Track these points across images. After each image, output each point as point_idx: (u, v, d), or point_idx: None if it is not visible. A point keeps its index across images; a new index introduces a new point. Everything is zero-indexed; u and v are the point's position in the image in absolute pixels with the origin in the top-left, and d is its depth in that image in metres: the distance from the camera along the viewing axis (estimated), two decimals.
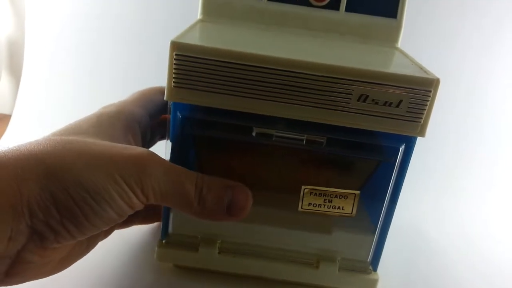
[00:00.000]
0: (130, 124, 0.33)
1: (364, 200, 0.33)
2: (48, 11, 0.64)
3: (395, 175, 0.31)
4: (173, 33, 0.30)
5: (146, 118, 0.36)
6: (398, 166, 0.31)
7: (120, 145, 0.28)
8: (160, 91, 0.38)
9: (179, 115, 0.30)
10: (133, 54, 0.64)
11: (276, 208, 0.34)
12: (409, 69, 0.30)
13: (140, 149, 0.28)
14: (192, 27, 0.34)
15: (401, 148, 0.30)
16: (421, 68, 0.31)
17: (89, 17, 0.63)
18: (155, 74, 0.38)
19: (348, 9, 0.37)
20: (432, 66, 0.30)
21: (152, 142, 0.40)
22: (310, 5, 0.37)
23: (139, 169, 0.26)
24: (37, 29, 0.65)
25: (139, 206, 0.27)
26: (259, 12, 0.38)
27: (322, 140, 0.30)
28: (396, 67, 0.32)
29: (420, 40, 0.59)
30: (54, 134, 0.30)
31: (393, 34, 0.38)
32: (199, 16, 0.38)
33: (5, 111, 0.71)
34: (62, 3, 0.63)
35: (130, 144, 0.32)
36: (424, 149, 0.37)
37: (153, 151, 0.28)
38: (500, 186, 0.61)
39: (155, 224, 0.43)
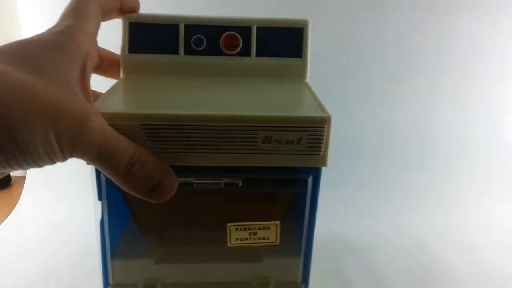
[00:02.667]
0: (77, 59, 0.29)
1: (291, 227, 0.37)
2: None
3: (309, 202, 0.35)
4: None
5: (95, 52, 0.33)
6: (310, 195, 0.34)
7: (63, 93, 0.26)
8: None
9: (103, 176, 0.33)
10: None
11: (210, 245, 0.37)
12: (307, 109, 0.34)
13: (84, 107, 0.26)
14: (112, 91, 0.37)
15: (309, 179, 0.34)
16: (320, 105, 0.34)
17: None
18: None
19: (259, 54, 0.41)
20: None
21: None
22: (224, 54, 0.41)
23: (77, 131, 0.25)
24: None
25: (63, 161, 0.26)
26: (178, 65, 0.41)
27: (238, 182, 0.33)
28: (296, 108, 0.36)
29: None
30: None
31: (300, 72, 0.42)
32: (121, 75, 0.41)
33: None
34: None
35: (75, 84, 0.29)
36: None
37: (97, 111, 0.27)
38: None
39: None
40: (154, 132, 0.31)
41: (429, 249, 0.54)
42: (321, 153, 0.32)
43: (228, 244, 0.35)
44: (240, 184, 0.33)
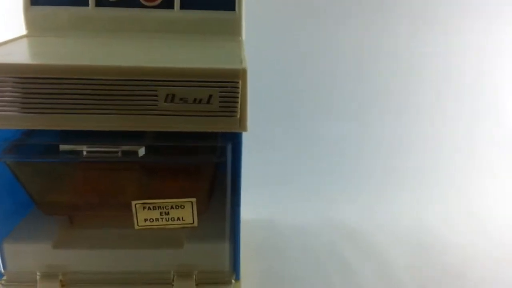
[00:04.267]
0: None
1: (219, 207, 0.31)
2: None
3: (230, 176, 0.29)
4: None
5: None
6: (230, 167, 0.29)
7: None
8: None
9: None
10: None
11: (118, 228, 0.32)
12: (220, 62, 0.28)
13: None
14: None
15: (228, 147, 0.28)
16: (239, 58, 0.29)
17: None
18: None
19: (184, 6, 0.35)
20: None
21: None
22: (142, 6, 0.35)
23: None
24: None
25: None
26: (88, 20, 0.35)
27: (137, 149, 0.27)
28: (207, 61, 0.30)
29: None
30: None
31: (234, 27, 0.36)
32: (25, 31, 0.35)
33: None
34: None
35: None
36: None
37: None
38: None
39: None
40: (27, 88, 0.25)
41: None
42: (237, 114, 0.27)
43: (136, 226, 0.30)
44: (142, 153, 0.28)
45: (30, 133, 0.29)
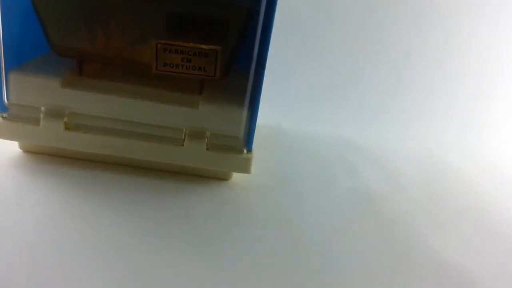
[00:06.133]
0: None
1: (240, 68, 0.29)
2: None
3: (260, 30, 0.27)
4: None
5: None
6: (263, 18, 0.27)
7: None
8: None
9: None
10: None
11: (133, 83, 0.30)
12: None
13: None
14: None
15: None
16: None
17: None
18: None
19: None
20: None
21: None
22: None
23: None
24: None
25: None
26: None
27: None
28: None
29: None
30: None
31: None
32: None
33: None
34: None
35: None
36: None
37: None
38: None
39: None
40: None
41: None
42: None
43: (154, 70, 0.28)
44: None
45: None
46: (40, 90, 0.29)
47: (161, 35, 0.28)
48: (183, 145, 0.30)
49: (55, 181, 0.29)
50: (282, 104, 0.51)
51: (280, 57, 0.52)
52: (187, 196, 0.31)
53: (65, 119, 0.29)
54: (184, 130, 0.30)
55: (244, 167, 0.31)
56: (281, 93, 0.53)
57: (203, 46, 0.27)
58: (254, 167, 0.32)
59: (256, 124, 0.31)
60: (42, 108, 0.29)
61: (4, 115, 0.30)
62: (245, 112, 0.30)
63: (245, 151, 0.31)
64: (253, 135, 0.31)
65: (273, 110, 0.50)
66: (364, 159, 0.43)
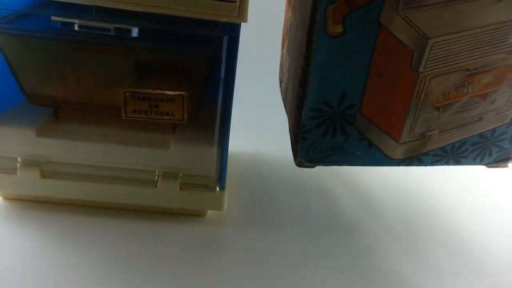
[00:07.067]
0: None
1: (211, 109, 0.30)
2: None
3: (224, 71, 0.28)
4: None
5: None
6: (225, 62, 0.28)
7: None
8: None
9: None
10: None
11: (106, 126, 0.31)
12: None
13: None
14: None
15: (224, 39, 0.27)
16: None
17: None
18: None
19: None
20: None
21: None
22: None
23: None
24: None
25: None
26: None
27: (131, 28, 0.26)
28: None
29: None
30: None
31: None
32: None
33: None
34: None
35: None
36: None
37: None
38: None
39: None
40: None
41: None
42: (237, 0, 0.26)
43: (123, 116, 0.29)
44: (135, 34, 0.26)
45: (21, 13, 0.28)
46: (16, 141, 0.30)
47: (131, 80, 0.29)
48: (156, 186, 0.31)
49: (34, 228, 0.30)
50: (263, 131, 0.53)
51: (259, 86, 0.54)
52: (164, 236, 0.31)
53: (41, 168, 0.31)
54: (157, 172, 0.31)
55: (217, 205, 0.32)
56: (262, 120, 0.54)
57: (169, 93, 0.28)
58: (231, 200, 0.33)
59: (237, 154, 0.32)
60: (19, 159, 0.30)
61: None
62: (215, 151, 0.31)
63: (217, 188, 0.32)
64: (225, 173, 0.32)
65: (253, 138, 0.51)
66: (342, 185, 0.44)
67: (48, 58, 0.29)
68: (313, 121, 0.31)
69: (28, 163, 0.30)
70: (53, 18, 0.26)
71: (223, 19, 0.26)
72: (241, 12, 0.26)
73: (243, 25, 0.27)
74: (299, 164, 0.32)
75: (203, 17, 0.26)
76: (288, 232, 0.34)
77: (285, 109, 0.40)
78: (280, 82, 0.44)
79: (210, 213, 0.34)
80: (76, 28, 0.26)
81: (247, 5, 0.26)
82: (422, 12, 0.27)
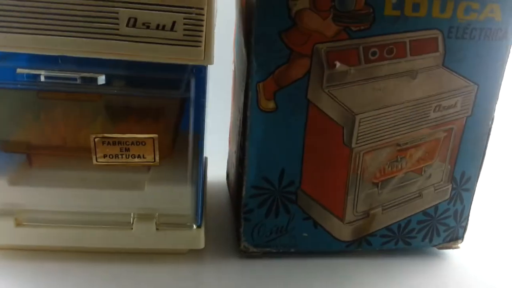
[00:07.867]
0: None
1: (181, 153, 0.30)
2: None
3: (193, 114, 0.28)
4: None
5: None
6: (194, 104, 0.28)
7: None
8: None
9: None
10: None
11: (78, 170, 0.31)
12: None
13: None
14: None
15: (191, 82, 0.27)
16: None
17: None
18: None
19: None
20: None
21: None
22: None
23: None
24: None
25: None
26: None
27: (97, 76, 0.26)
28: None
29: None
30: None
31: None
32: None
33: None
34: None
35: None
36: None
37: None
38: None
39: None
40: None
41: None
42: (202, 45, 0.26)
43: (94, 162, 0.29)
44: (102, 81, 0.27)
45: None
46: None
47: (102, 124, 0.29)
48: (132, 229, 0.31)
49: (13, 277, 0.30)
50: None
51: None
52: (145, 277, 0.31)
53: (16, 216, 0.30)
54: (132, 214, 0.31)
55: (195, 243, 0.32)
56: None
57: (140, 136, 0.28)
58: (211, 236, 0.33)
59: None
60: None
61: None
62: (189, 189, 0.31)
63: (194, 226, 0.32)
64: (201, 210, 0.32)
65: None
66: None
67: (17, 106, 0.29)
68: (255, 199, 0.30)
69: (2, 213, 0.30)
70: (18, 70, 0.26)
71: (190, 63, 0.26)
72: (207, 55, 0.26)
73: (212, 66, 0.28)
74: (244, 250, 0.32)
75: (170, 61, 0.26)
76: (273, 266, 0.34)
77: (230, 199, 0.39)
78: (228, 175, 0.43)
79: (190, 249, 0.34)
80: (42, 79, 0.26)
81: (213, 48, 0.26)
82: (346, 89, 0.28)
